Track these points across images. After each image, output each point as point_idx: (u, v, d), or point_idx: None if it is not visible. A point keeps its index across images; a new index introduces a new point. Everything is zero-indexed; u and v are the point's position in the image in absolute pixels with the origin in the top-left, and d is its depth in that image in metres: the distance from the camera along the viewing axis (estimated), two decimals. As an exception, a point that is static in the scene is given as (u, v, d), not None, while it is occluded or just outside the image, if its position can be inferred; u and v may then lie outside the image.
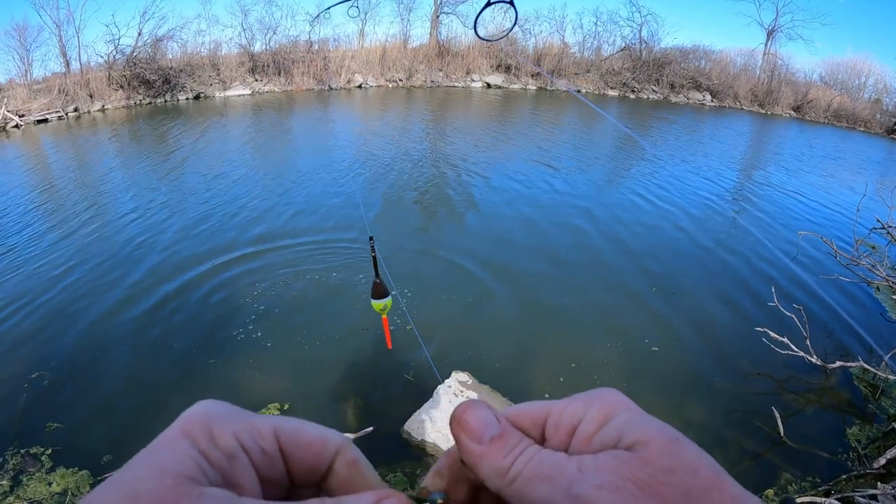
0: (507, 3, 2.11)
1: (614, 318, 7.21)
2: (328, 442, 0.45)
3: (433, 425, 4.85)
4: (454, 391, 5.16)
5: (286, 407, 5.26)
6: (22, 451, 4.80)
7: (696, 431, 5.27)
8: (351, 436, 4.79)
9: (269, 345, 6.32)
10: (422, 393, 5.36)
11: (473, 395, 4.95)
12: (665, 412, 5.35)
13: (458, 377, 5.42)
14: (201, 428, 0.39)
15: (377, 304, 3.32)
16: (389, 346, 3.74)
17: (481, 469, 0.43)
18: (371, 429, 4.91)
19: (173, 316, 7.00)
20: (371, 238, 3.26)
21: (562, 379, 5.84)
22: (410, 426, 4.95)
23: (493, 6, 2.15)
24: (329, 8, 5.36)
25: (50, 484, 4.44)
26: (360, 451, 0.47)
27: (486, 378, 5.60)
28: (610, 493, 0.36)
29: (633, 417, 0.41)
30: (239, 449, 0.40)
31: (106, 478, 0.36)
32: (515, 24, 2.38)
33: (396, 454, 4.81)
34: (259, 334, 6.50)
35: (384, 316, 3.45)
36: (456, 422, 0.45)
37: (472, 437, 0.44)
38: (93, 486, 4.35)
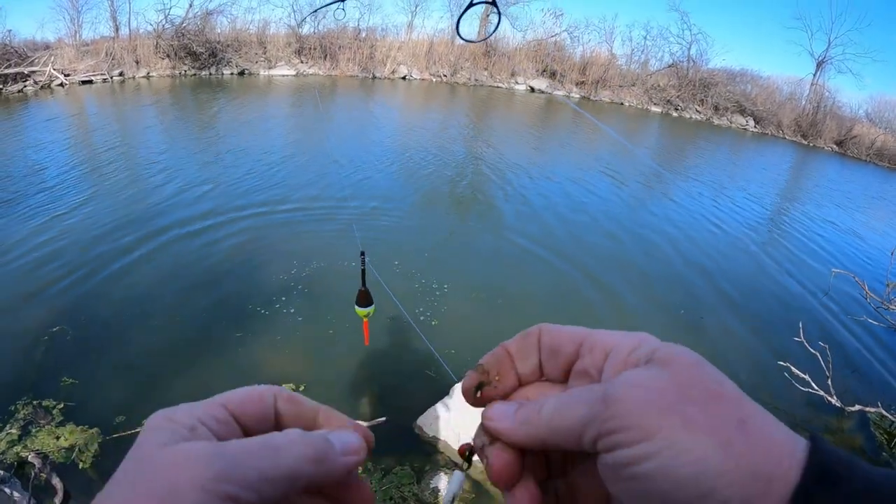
0: (490, 3, 2.08)
1: (632, 324, 6.95)
2: (261, 391, 0.51)
3: (446, 423, 4.84)
4: None
5: (301, 388, 5.24)
6: (34, 402, 4.81)
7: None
8: (364, 423, 4.61)
9: (298, 322, 6.37)
10: (439, 389, 5.34)
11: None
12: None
13: (461, 379, 5.07)
14: (163, 418, 0.44)
15: (361, 311, 3.64)
16: (367, 343, 4.00)
17: (522, 433, 0.47)
18: (384, 419, 4.89)
19: (208, 286, 7.04)
20: (363, 253, 3.57)
21: None
22: (423, 421, 4.95)
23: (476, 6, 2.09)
24: (315, 11, 5.26)
25: (58, 438, 4.43)
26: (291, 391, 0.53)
27: None
28: (641, 390, 0.40)
29: (662, 344, 0.44)
30: (197, 422, 0.44)
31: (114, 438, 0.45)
32: (498, 25, 2.39)
33: (407, 447, 4.80)
34: (291, 310, 6.55)
35: (365, 321, 3.76)
36: (485, 424, 0.50)
37: (501, 419, 0.49)
38: (101, 445, 4.44)
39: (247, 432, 0.48)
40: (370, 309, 3.64)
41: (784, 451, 0.37)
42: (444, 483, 4.37)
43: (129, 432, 4.54)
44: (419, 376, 5.70)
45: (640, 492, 0.39)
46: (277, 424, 0.51)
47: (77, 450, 4.34)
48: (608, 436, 0.40)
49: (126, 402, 4.91)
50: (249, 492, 0.39)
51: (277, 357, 5.76)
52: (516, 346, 0.52)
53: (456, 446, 4.59)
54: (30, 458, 4.20)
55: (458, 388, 4.99)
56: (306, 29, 31.85)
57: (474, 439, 0.52)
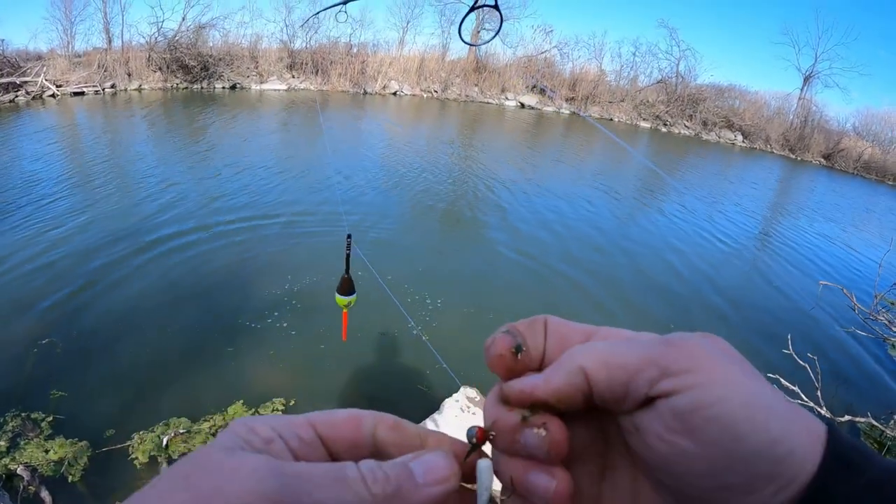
0: (492, 6, 1.99)
1: None
2: (361, 415, 0.47)
3: None
4: (461, 405, 5.10)
5: (291, 403, 5.26)
6: (23, 414, 4.77)
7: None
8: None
9: (289, 336, 6.35)
10: (429, 404, 5.34)
11: (480, 411, 4.73)
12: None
13: (466, 392, 5.30)
14: (242, 424, 0.42)
15: (342, 299, 3.45)
16: (344, 339, 3.95)
17: (562, 384, 0.43)
18: None
19: (198, 299, 7.01)
20: (349, 236, 3.38)
21: None
22: None
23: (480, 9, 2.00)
24: (318, 13, 5.26)
25: (47, 451, 4.40)
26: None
27: None
28: (700, 342, 0.41)
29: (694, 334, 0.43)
30: (276, 436, 0.42)
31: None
32: (500, 28, 2.30)
33: None
34: (283, 324, 6.54)
35: (345, 311, 3.58)
36: (520, 390, 0.45)
37: (534, 384, 0.44)
38: (91, 458, 4.40)
39: (334, 457, 0.46)
40: (351, 298, 3.45)
41: (817, 419, 0.38)
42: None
43: (118, 446, 4.53)
44: (409, 391, 5.69)
45: (713, 436, 0.37)
46: (376, 453, 0.47)
47: (66, 463, 4.31)
48: (678, 376, 0.39)
49: (116, 415, 4.88)
50: None
51: (268, 371, 5.74)
52: (525, 327, 0.49)
53: None
54: (18, 471, 4.17)
55: (448, 404, 5.04)
56: (298, 44, 32.02)
57: (498, 420, 0.46)
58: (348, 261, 3.40)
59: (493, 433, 0.46)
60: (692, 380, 0.38)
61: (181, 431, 4.64)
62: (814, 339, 8.02)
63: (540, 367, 0.47)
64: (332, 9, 4.14)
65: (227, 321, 6.52)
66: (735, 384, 0.37)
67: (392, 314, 6.52)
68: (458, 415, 4.94)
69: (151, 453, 4.43)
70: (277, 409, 5.07)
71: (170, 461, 4.38)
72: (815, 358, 5.97)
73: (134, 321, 6.37)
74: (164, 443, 4.51)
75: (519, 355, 0.46)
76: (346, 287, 3.42)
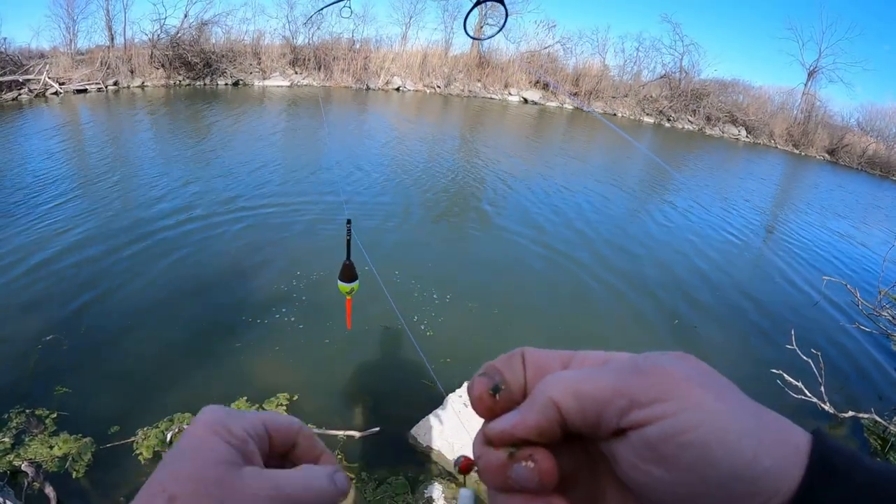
0: (497, 0, 2.10)
1: (634, 348, 7.11)
2: (294, 423, 0.60)
3: (440, 433, 4.84)
4: (464, 401, 5.10)
5: (295, 398, 5.27)
6: (27, 411, 4.78)
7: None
8: (357, 434, 4.83)
9: (293, 331, 6.37)
10: (432, 399, 5.33)
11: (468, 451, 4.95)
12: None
13: (459, 394, 5.29)
14: (221, 425, 0.52)
15: (344, 286, 3.42)
16: (349, 328, 4.07)
17: (536, 420, 0.44)
18: (377, 429, 4.92)
19: (203, 295, 7.04)
20: (349, 221, 3.35)
21: None
22: (417, 431, 4.94)
23: (485, 4, 2.15)
24: (321, 9, 5.16)
25: (51, 447, 4.42)
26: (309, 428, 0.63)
27: None
28: (672, 367, 0.40)
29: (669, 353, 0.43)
30: (248, 437, 0.53)
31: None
32: (505, 22, 2.46)
33: (401, 458, 4.78)
34: (290, 319, 6.58)
35: (349, 298, 3.54)
36: (498, 429, 0.46)
37: (515, 422, 0.45)
38: (95, 454, 4.42)
39: (271, 451, 0.57)
40: (354, 285, 3.43)
41: (796, 429, 0.38)
42: (438, 492, 4.36)
43: (122, 442, 4.54)
44: (414, 386, 5.67)
45: (686, 463, 0.37)
46: (291, 451, 0.60)
47: (70, 459, 4.32)
48: (647, 406, 0.39)
49: (120, 411, 4.88)
50: None
51: (272, 365, 5.74)
52: (502, 364, 0.50)
53: (450, 456, 4.61)
54: (23, 467, 4.18)
55: (451, 399, 5.06)
56: (301, 40, 32.08)
57: (482, 457, 0.48)
58: (349, 247, 3.36)
59: (477, 467, 0.48)
60: (661, 409, 0.38)
61: (185, 426, 4.59)
62: (817, 334, 8.00)
63: (524, 399, 0.47)
64: (336, 5, 4.17)
65: (232, 316, 6.53)
66: (705, 408, 0.37)
67: (400, 309, 6.46)
68: (461, 410, 4.95)
69: (156, 449, 4.44)
70: (282, 404, 5.08)
71: None
72: (819, 353, 5.99)
73: (139, 317, 6.39)
74: (169, 438, 4.51)
75: (497, 396, 0.47)
76: (348, 273, 3.39)
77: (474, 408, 0.49)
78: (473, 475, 0.51)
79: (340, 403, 5.37)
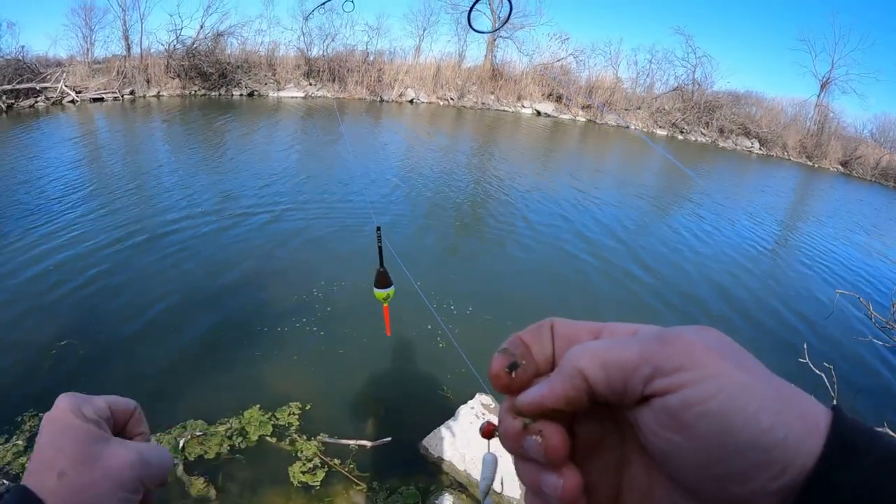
0: None
1: None
2: (130, 404, 0.76)
3: (452, 444, 4.83)
4: (476, 412, 5.12)
5: (307, 407, 5.24)
6: (40, 414, 4.76)
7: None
8: (368, 444, 4.83)
9: (307, 339, 6.37)
10: (444, 409, 5.33)
11: (494, 419, 4.78)
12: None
13: (481, 399, 5.33)
14: (77, 409, 0.67)
15: (380, 293, 3.42)
16: (388, 333, 3.83)
17: (564, 391, 0.44)
18: (388, 439, 4.92)
19: (218, 302, 7.07)
20: (378, 228, 3.34)
21: None
22: (429, 442, 4.91)
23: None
24: (323, 3, 5.23)
25: None
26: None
27: None
28: (695, 337, 0.41)
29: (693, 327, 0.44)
30: (99, 419, 0.68)
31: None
32: (510, 16, 2.60)
33: (412, 468, 4.76)
34: (306, 328, 6.57)
35: (385, 305, 3.52)
36: (523, 402, 0.47)
37: (540, 393, 0.45)
38: None
39: (115, 426, 0.72)
40: (390, 291, 3.40)
41: (817, 404, 0.39)
42: (448, 503, 4.36)
43: None
44: (426, 397, 5.67)
45: (705, 431, 0.38)
46: (125, 428, 0.75)
47: None
48: (670, 375, 0.40)
49: None
50: (151, 483, 0.68)
51: (286, 375, 5.74)
52: (530, 336, 0.51)
53: (461, 467, 4.63)
54: None
55: (463, 411, 5.08)
56: (315, 51, 32.34)
57: (502, 423, 0.49)
58: (381, 253, 3.36)
59: (498, 433, 0.49)
60: (684, 377, 0.39)
61: (198, 433, 4.67)
62: (830, 348, 7.91)
63: (552, 369, 0.49)
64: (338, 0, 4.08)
65: (248, 324, 6.54)
66: (726, 378, 0.38)
67: (415, 320, 6.64)
68: (473, 421, 4.96)
69: None
70: (294, 414, 5.07)
71: (186, 463, 4.42)
72: (831, 367, 5.93)
73: (154, 323, 6.42)
74: (181, 445, 4.53)
75: (513, 373, 0.48)
76: (383, 280, 3.38)
77: (492, 384, 0.50)
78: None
79: (352, 413, 5.36)
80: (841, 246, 14.98)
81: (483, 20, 35.96)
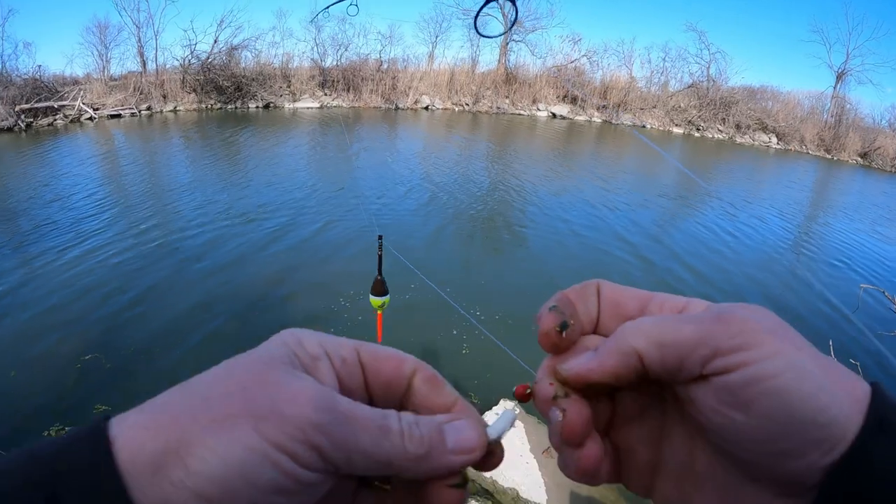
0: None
1: None
2: (405, 359, 0.48)
3: None
4: None
5: None
6: (66, 428, 4.79)
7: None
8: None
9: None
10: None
11: (520, 425, 5.01)
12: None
13: (505, 405, 5.30)
14: (292, 337, 0.45)
15: (376, 300, 3.51)
16: (379, 341, 3.83)
17: (613, 364, 0.44)
18: None
19: (244, 314, 7.12)
20: (380, 237, 3.50)
21: None
22: None
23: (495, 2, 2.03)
24: (328, 7, 5.10)
25: None
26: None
27: (536, 410, 5.11)
28: (752, 316, 0.41)
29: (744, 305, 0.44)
30: (323, 354, 0.45)
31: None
32: (515, 21, 2.63)
33: None
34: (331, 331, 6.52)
35: (379, 313, 3.61)
36: (567, 371, 0.47)
37: (586, 363, 0.45)
38: None
39: (368, 389, 0.47)
40: (385, 299, 3.45)
41: (860, 381, 0.40)
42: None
43: None
44: None
45: (767, 409, 0.39)
46: (405, 398, 0.48)
47: None
48: (729, 354, 0.40)
49: None
50: (339, 454, 0.39)
51: None
52: (576, 295, 0.50)
53: (487, 474, 4.50)
54: None
55: (488, 416, 4.93)
56: (329, 62, 32.48)
57: (537, 384, 0.48)
58: (380, 262, 3.47)
59: (533, 394, 0.49)
60: (744, 357, 0.39)
61: None
62: (855, 344, 7.83)
63: (595, 331, 0.49)
64: (343, 2, 4.11)
65: (268, 336, 6.44)
66: (784, 357, 0.39)
67: (439, 326, 6.83)
68: None
69: None
70: None
71: None
72: (857, 364, 5.68)
73: (177, 337, 6.49)
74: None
75: (564, 333, 0.47)
76: (379, 288, 3.46)
77: (540, 342, 0.49)
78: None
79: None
80: (863, 239, 14.82)
81: (494, 24, 36.11)
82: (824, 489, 0.38)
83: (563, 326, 0.47)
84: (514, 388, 0.51)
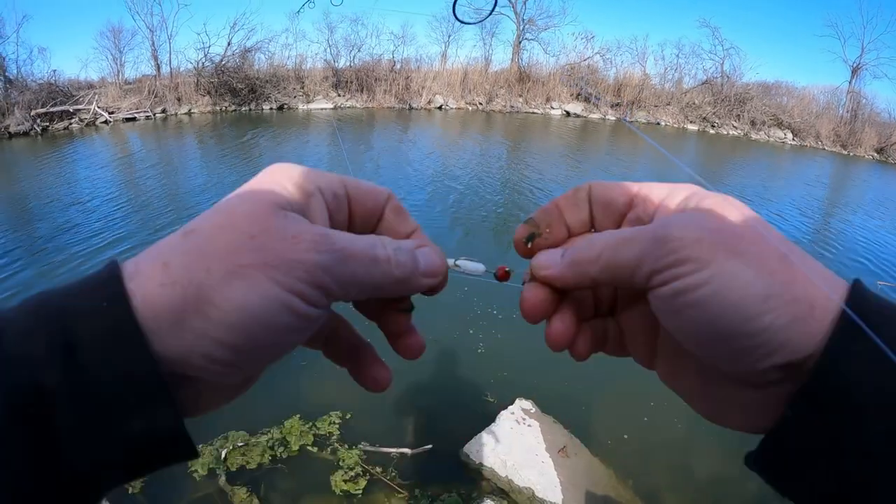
0: None
1: None
2: (382, 190, 0.54)
3: (493, 450, 4.85)
4: (517, 418, 5.14)
5: (348, 416, 5.29)
6: None
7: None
8: (409, 452, 4.86)
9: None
10: (484, 415, 5.33)
11: (536, 424, 5.05)
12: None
13: (521, 404, 5.33)
14: (284, 174, 0.47)
15: None
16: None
17: (572, 275, 0.49)
18: (429, 447, 4.94)
19: None
20: None
21: (645, 418, 5.60)
22: (470, 448, 4.93)
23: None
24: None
25: None
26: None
27: (551, 409, 5.46)
28: (692, 229, 0.42)
29: (713, 193, 0.47)
30: (316, 190, 0.48)
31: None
32: (496, 6, 2.30)
33: (453, 475, 4.79)
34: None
35: None
36: (535, 273, 0.52)
37: (548, 267, 0.51)
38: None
39: (351, 218, 0.52)
40: None
41: (825, 283, 0.41)
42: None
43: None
44: (466, 403, 5.69)
45: (693, 318, 0.42)
46: (376, 228, 0.54)
47: None
48: (664, 270, 0.43)
49: None
50: (340, 288, 0.43)
51: (326, 384, 5.71)
52: (566, 201, 0.55)
53: (503, 473, 4.64)
54: None
55: (504, 415, 5.12)
56: (342, 62, 32.56)
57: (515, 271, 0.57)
58: None
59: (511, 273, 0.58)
60: (674, 273, 0.42)
61: (239, 444, 4.76)
62: None
63: (592, 228, 0.55)
64: None
65: None
66: (712, 269, 0.41)
67: (455, 325, 6.77)
68: (514, 427, 5.00)
69: (210, 466, 4.53)
70: (334, 423, 5.14)
71: (228, 473, 4.48)
72: None
73: None
74: (223, 456, 4.62)
75: (530, 244, 0.54)
76: None
77: (515, 248, 0.56)
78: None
79: (393, 421, 5.41)
80: (882, 235, 14.67)
81: (505, 21, 36.05)
82: (797, 394, 0.40)
83: (530, 238, 0.54)
84: (496, 271, 0.58)
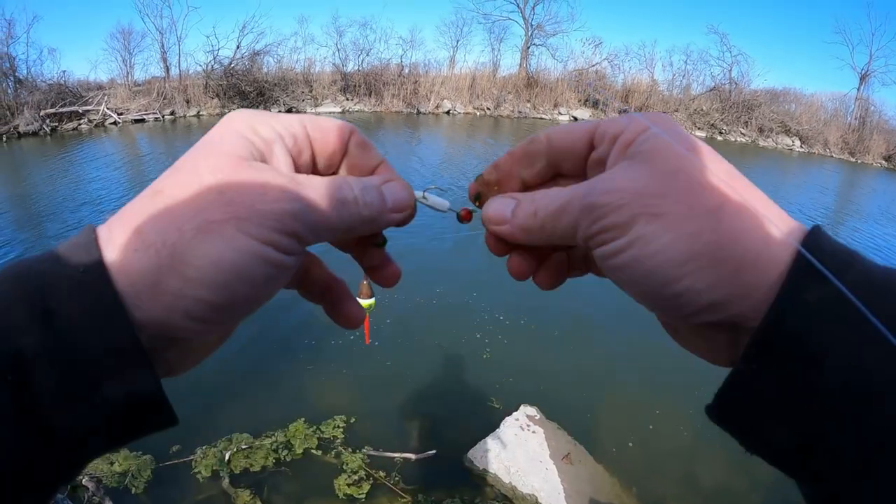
0: None
1: (703, 371, 6.86)
2: (344, 126, 0.52)
3: (497, 456, 4.85)
4: (521, 424, 5.14)
5: (352, 420, 5.26)
6: None
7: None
8: (413, 457, 4.85)
9: (351, 354, 6.34)
10: (489, 421, 5.32)
11: (540, 430, 5.05)
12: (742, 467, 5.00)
13: (525, 410, 5.33)
14: (244, 123, 0.47)
15: (363, 303, 3.24)
16: (367, 342, 4.26)
17: (522, 237, 0.51)
18: (433, 452, 4.95)
19: (267, 315, 6.95)
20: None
21: (650, 426, 5.57)
22: (474, 454, 4.93)
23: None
24: None
25: (112, 463, 4.55)
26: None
27: (556, 415, 5.44)
28: (617, 194, 0.43)
29: (653, 135, 0.45)
30: (277, 136, 0.47)
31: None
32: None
33: (456, 480, 4.78)
34: (342, 342, 6.51)
35: (367, 315, 3.16)
36: (484, 222, 0.54)
37: (499, 223, 0.52)
38: (154, 472, 4.53)
39: (314, 158, 0.51)
40: (371, 301, 3.25)
41: (778, 230, 0.41)
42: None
43: (181, 460, 4.64)
44: (471, 409, 5.67)
45: (621, 278, 0.45)
46: (340, 166, 0.53)
47: (130, 475, 4.48)
48: (594, 236, 0.44)
49: (180, 431, 4.84)
50: (311, 233, 0.44)
51: (331, 388, 5.78)
52: (521, 152, 0.55)
53: (507, 480, 4.65)
54: (83, 482, 4.30)
55: (508, 421, 5.13)
56: (350, 66, 32.70)
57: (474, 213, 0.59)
58: None
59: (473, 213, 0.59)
60: (604, 237, 0.44)
61: (243, 447, 4.76)
62: None
63: (559, 175, 0.55)
64: None
65: (294, 338, 6.58)
66: (635, 234, 0.42)
67: (461, 331, 6.79)
68: (518, 433, 4.99)
69: (213, 468, 4.54)
70: (339, 427, 5.13)
71: (231, 476, 4.48)
72: None
73: None
74: (227, 458, 4.63)
75: (478, 202, 0.56)
76: (366, 291, 3.32)
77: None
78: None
79: (397, 426, 5.41)
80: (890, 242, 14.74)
81: (514, 27, 36.08)
82: (749, 345, 0.40)
83: (477, 197, 0.56)
84: (459, 212, 0.60)
